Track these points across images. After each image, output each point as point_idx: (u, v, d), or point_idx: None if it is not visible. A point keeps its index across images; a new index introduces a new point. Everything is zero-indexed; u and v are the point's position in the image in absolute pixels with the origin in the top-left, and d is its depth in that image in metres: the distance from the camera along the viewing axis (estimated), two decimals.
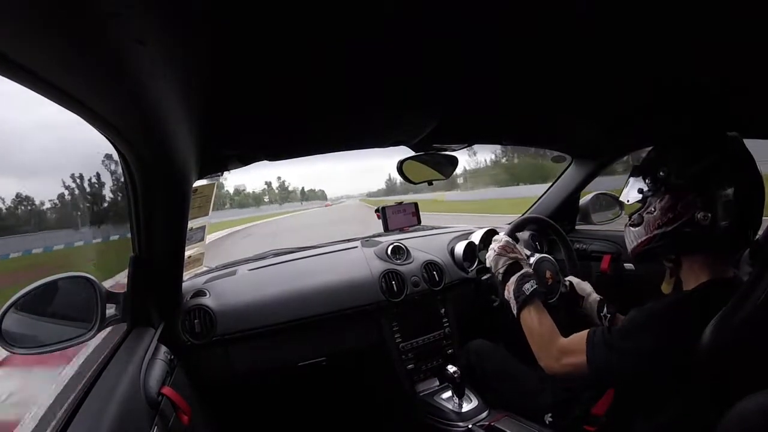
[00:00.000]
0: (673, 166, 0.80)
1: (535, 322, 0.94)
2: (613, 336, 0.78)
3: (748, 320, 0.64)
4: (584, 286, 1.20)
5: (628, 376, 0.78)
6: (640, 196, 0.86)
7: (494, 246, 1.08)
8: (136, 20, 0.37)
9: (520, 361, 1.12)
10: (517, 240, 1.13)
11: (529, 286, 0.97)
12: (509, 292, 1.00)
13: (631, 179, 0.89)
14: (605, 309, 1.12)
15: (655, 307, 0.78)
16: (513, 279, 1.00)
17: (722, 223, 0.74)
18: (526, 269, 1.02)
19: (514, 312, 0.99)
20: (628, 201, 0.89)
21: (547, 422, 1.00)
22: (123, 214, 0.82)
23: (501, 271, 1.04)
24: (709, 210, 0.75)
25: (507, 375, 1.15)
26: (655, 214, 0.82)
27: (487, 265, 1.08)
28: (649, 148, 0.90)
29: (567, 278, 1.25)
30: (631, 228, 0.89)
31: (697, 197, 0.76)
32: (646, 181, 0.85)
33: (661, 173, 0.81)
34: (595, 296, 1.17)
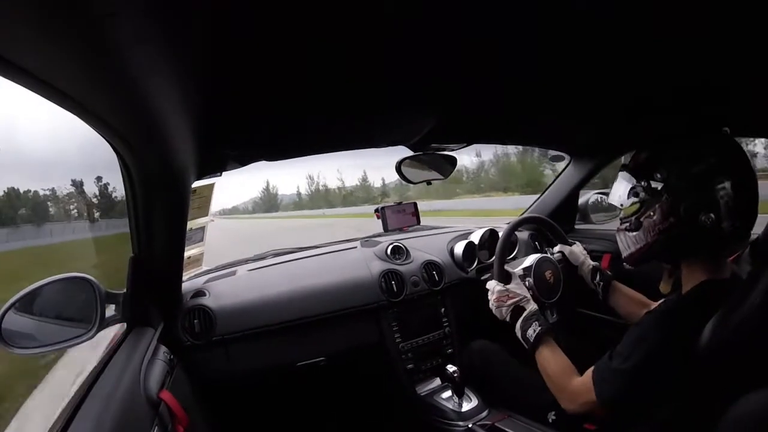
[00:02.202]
0: (672, 167, 0.77)
1: (548, 364, 0.92)
2: (614, 362, 0.78)
3: (746, 319, 0.64)
4: (577, 255, 1.21)
5: (636, 395, 0.77)
6: (636, 199, 0.83)
7: (490, 298, 1.07)
8: (133, 20, 0.37)
9: (522, 361, 1.12)
10: (508, 261, 1.12)
11: (531, 332, 0.96)
12: (518, 336, 0.99)
13: (622, 181, 0.86)
14: (598, 276, 1.14)
15: (648, 321, 0.78)
16: (518, 325, 0.99)
17: (725, 224, 0.73)
18: (528, 309, 1.00)
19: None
20: (622, 205, 0.86)
21: (551, 420, 1.00)
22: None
23: (506, 319, 1.03)
24: (712, 211, 0.73)
25: (510, 375, 1.15)
26: (654, 218, 0.79)
27: (494, 313, 1.07)
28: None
29: (557, 248, 1.27)
30: (628, 233, 0.86)
31: (700, 199, 0.74)
32: (642, 183, 0.81)
33: (658, 175, 0.78)
34: (588, 263, 1.19)
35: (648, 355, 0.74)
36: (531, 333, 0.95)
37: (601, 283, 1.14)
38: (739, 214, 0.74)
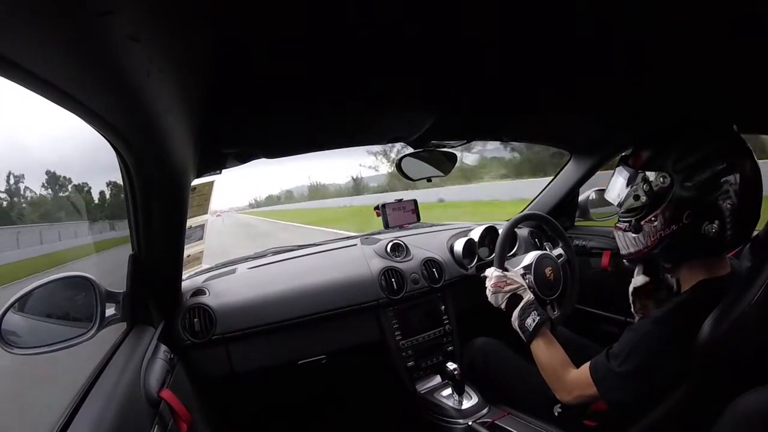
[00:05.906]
0: (677, 173, 0.74)
1: (544, 355, 0.92)
2: (612, 363, 0.78)
3: (744, 315, 0.64)
4: None
5: (641, 397, 0.77)
6: (638, 203, 0.80)
7: (487, 284, 1.06)
8: (128, 18, 0.36)
9: (524, 357, 1.12)
10: (507, 260, 1.11)
11: (531, 321, 0.95)
12: (515, 325, 0.99)
13: (620, 177, 0.84)
14: None
15: (647, 324, 0.78)
16: (515, 314, 0.98)
17: (729, 232, 0.72)
18: (526, 299, 0.99)
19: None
20: (621, 208, 0.84)
21: (557, 413, 1.00)
22: None
23: (502, 306, 1.03)
24: (715, 219, 0.71)
25: (514, 370, 1.15)
26: (656, 224, 0.77)
27: (489, 300, 1.07)
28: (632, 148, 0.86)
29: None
30: (627, 233, 0.83)
31: (704, 208, 0.72)
32: (644, 187, 0.78)
33: (661, 179, 0.76)
34: None
35: (649, 358, 0.74)
36: (530, 322, 0.95)
37: None
38: (743, 222, 0.73)
